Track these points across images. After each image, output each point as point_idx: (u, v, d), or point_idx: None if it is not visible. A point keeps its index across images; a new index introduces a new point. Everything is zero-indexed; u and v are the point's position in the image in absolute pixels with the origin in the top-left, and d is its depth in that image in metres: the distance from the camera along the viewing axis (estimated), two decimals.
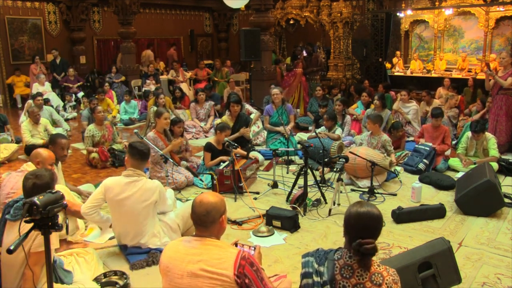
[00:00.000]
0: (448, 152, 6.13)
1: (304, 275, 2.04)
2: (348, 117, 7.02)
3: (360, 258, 1.89)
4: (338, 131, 6.17)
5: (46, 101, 8.90)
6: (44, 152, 3.52)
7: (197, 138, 7.74)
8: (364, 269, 1.90)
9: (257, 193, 4.88)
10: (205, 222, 2.09)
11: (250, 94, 9.65)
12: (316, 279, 1.97)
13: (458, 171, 5.44)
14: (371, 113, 6.74)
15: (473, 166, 5.22)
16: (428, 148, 5.66)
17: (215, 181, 4.71)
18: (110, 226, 3.57)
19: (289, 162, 5.89)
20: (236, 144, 4.89)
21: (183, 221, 3.55)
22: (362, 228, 1.91)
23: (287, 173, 5.61)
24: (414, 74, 11.40)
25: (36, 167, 3.43)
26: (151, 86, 11.23)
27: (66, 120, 9.10)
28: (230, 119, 6.25)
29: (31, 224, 2.00)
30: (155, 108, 7.11)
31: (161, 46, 15.03)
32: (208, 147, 5.29)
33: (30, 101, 8.21)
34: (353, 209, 1.96)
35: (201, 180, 5.06)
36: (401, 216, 4.06)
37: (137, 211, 3.31)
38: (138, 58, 12.92)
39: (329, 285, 1.92)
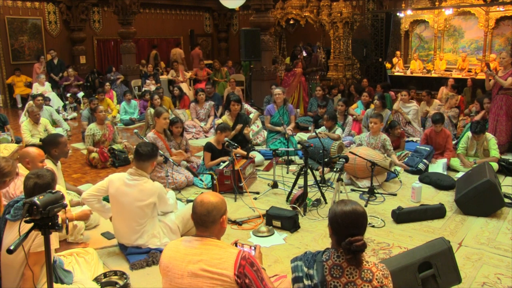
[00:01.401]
0: None
1: (295, 280, 2.04)
2: (350, 118, 7.02)
3: (352, 256, 1.90)
4: (338, 131, 6.16)
5: (47, 100, 8.90)
6: (31, 150, 3.53)
7: (197, 138, 7.74)
8: (356, 266, 1.91)
9: (257, 193, 4.88)
10: (206, 222, 2.09)
11: (246, 94, 9.64)
12: (307, 282, 1.97)
13: (458, 171, 5.44)
14: (372, 113, 6.75)
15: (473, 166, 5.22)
16: (428, 149, 5.65)
17: (215, 181, 4.71)
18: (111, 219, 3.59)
19: (289, 162, 5.88)
20: (236, 144, 4.89)
21: (183, 223, 3.55)
22: (350, 226, 1.92)
23: (287, 173, 5.61)
24: (414, 74, 11.40)
25: (26, 167, 3.42)
26: (151, 86, 11.24)
27: (66, 120, 9.11)
28: (230, 119, 6.25)
29: (31, 224, 2.00)
30: (152, 109, 7.11)
31: (161, 46, 15.03)
32: (208, 147, 5.29)
33: (31, 102, 8.22)
34: (338, 209, 1.96)
35: (201, 180, 5.06)
36: (401, 216, 4.06)
37: (133, 210, 3.33)
38: (139, 58, 12.94)
39: (320, 287, 1.92)
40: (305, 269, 2.00)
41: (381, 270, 1.94)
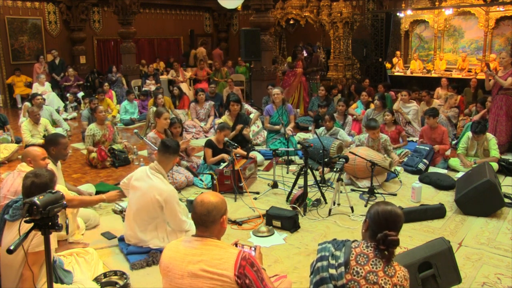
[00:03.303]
0: (448, 152, 6.13)
1: (319, 259, 2.13)
2: (349, 118, 7.04)
3: (385, 248, 2.00)
4: (345, 135, 6.13)
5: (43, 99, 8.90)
6: (32, 149, 3.55)
7: (197, 138, 7.74)
8: (385, 260, 2.00)
9: (257, 193, 4.88)
10: (206, 222, 2.08)
11: (244, 93, 9.61)
12: (332, 261, 2.06)
13: (458, 171, 5.43)
14: (372, 113, 6.75)
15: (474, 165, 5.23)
16: (428, 148, 5.65)
17: (215, 181, 4.71)
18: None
19: (289, 162, 5.88)
20: (236, 144, 4.89)
21: None
22: (389, 222, 2.05)
23: (287, 173, 5.61)
24: (414, 74, 11.40)
25: (29, 166, 3.43)
26: (151, 86, 11.24)
27: (66, 120, 9.11)
28: (229, 119, 6.25)
29: (31, 224, 2.00)
30: (154, 108, 7.11)
31: (161, 46, 15.04)
32: (209, 144, 5.31)
33: (26, 103, 8.23)
34: (381, 207, 2.10)
35: (201, 180, 5.06)
36: None
37: (142, 203, 3.34)
38: (139, 58, 12.95)
39: (344, 267, 2.01)
40: (332, 250, 2.11)
41: (404, 272, 2.02)
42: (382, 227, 2.03)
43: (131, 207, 3.46)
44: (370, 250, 2.03)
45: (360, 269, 1.99)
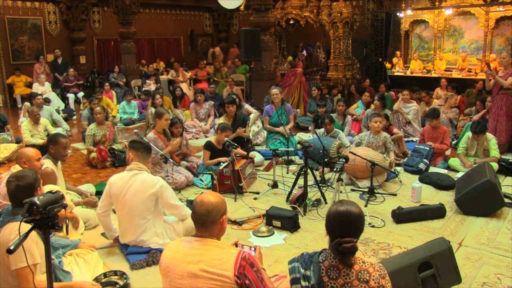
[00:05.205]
0: (448, 152, 6.13)
1: (292, 281, 2.04)
2: (349, 118, 7.04)
3: (340, 257, 1.89)
4: (345, 138, 6.13)
5: (47, 101, 8.91)
6: (27, 150, 3.53)
7: (197, 138, 7.74)
8: (347, 268, 1.90)
9: (257, 193, 4.88)
10: (206, 222, 2.09)
11: (244, 93, 9.63)
12: (304, 283, 1.97)
13: (458, 171, 5.43)
14: (372, 113, 6.74)
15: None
16: (427, 148, 5.65)
17: (215, 181, 4.71)
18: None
19: (289, 162, 5.88)
20: (236, 144, 4.89)
21: (186, 233, 3.53)
22: (341, 227, 1.91)
23: (287, 173, 5.61)
24: (414, 74, 11.41)
25: (22, 167, 3.41)
26: (151, 86, 11.24)
27: (66, 119, 9.10)
28: (227, 120, 6.24)
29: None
30: (152, 109, 7.10)
31: (161, 46, 15.04)
32: (208, 146, 5.31)
33: (26, 103, 8.23)
34: (333, 208, 1.95)
35: (201, 180, 5.06)
36: (401, 216, 4.06)
37: (136, 203, 3.31)
38: (139, 58, 12.95)
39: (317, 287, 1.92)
40: (302, 270, 1.99)
41: (378, 271, 1.93)
42: (339, 232, 1.89)
43: (126, 215, 3.38)
44: (338, 260, 1.93)
45: (334, 283, 1.89)
